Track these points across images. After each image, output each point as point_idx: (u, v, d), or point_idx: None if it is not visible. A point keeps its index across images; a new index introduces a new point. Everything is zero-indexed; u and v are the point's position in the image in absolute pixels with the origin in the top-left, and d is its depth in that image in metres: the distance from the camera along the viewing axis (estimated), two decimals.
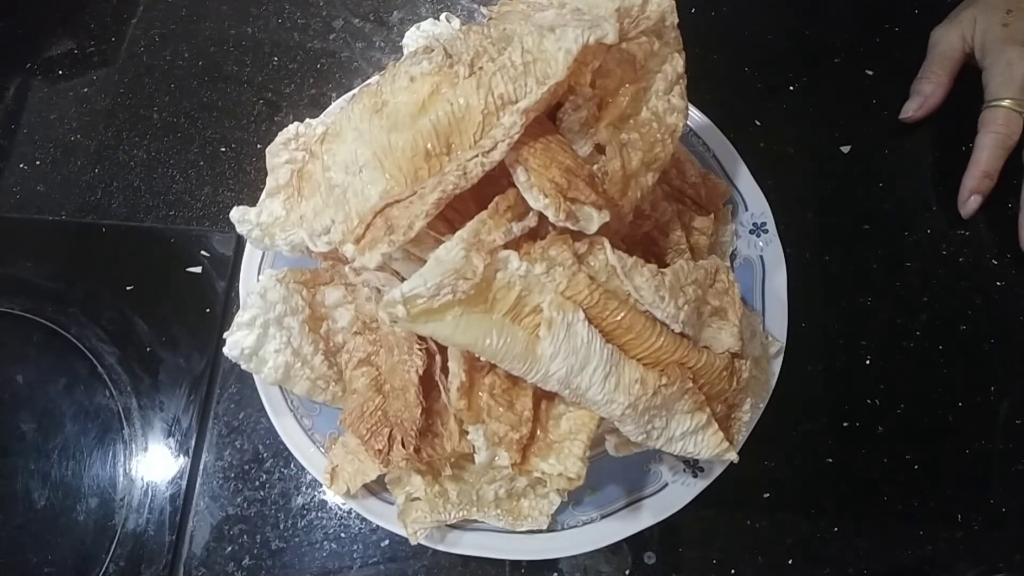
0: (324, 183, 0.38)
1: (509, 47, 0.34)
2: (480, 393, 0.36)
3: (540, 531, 0.43)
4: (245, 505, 0.50)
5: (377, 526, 0.48)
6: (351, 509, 0.49)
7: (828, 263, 0.55)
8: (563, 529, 0.43)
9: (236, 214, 0.43)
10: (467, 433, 0.38)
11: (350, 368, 0.43)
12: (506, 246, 0.34)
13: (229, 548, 0.49)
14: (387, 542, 0.49)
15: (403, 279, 0.38)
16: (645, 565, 0.47)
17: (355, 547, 0.49)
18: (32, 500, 0.50)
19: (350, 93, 0.52)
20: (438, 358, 0.40)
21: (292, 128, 0.44)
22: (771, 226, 0.49)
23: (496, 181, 0.35)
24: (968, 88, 0.58)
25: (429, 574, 0.48)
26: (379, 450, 0.40)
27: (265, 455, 0.51)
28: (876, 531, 0.48)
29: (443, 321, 0.32)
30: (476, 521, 0.43)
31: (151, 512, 0.49)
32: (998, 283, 0.54)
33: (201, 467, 0.51)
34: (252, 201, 0.44)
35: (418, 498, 0.42)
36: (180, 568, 0.48)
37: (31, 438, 0.52)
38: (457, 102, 0.34)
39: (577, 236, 0.35)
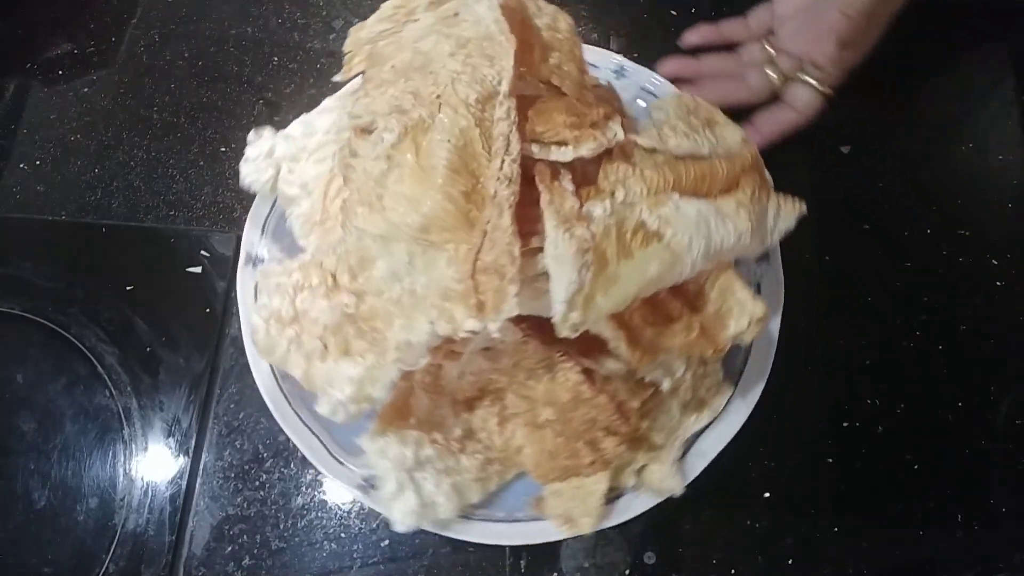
0: (382, 308, 0.35)
1: (436, 65, 0.35)
2: (642, 332, 0.38)
3: (538, 519, 0.43)
4: (245, 505, 0.50)
5: (377, 526, 0.48)
6: (351, 509, 0.49)
7: (828, 263, 0.55)
8: None
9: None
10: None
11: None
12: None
13: (229, 548, 0.49)
14: (387, 542, 0.48)
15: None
16: (645, 565, 0.47)
17: (355, 547, 0.49)
18: (32, 500, 0.50)
19: (336, 95, 0.50)
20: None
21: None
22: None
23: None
24: (968, 87, 0.58)
25: (429, 574, 0.48)
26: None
27: (265, 455, 0.51)
28: (876, 531, 0.48)
29: (605, 296, 0.34)
30: (481, 511, 0.43)
31: (151, 512, 0.49)
32: (998, 283, 0.54)
33: (201, 467, 0.51)
34: (252, 201, 0.43)
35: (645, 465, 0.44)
36: (180, 568, 0.48)
37: (31, 438, 0.51)
38: (453, 135, 0.33)
39: (606, 153, 0.36)
